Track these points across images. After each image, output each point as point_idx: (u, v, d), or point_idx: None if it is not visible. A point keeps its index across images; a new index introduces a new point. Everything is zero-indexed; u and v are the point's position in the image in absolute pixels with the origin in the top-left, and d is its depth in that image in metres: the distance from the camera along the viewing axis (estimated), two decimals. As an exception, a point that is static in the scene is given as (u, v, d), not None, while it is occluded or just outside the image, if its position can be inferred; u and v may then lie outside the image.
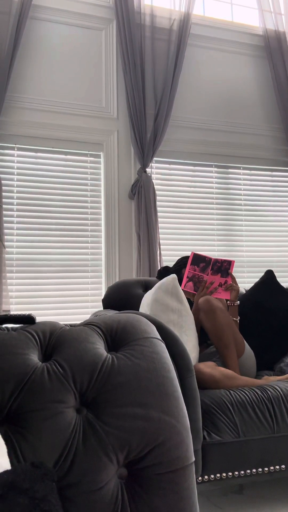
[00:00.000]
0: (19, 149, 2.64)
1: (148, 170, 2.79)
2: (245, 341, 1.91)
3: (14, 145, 2.63)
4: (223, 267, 1.93)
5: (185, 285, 1.92)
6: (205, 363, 1.66)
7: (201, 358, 1.90)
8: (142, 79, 2.79)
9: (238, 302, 1.99)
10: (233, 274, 1.97)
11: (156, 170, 2.92)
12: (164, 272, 2.13)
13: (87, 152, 2.78)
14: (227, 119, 3.08)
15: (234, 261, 1.95)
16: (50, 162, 2.70)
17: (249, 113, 3.15)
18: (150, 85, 2.82)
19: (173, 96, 2.84)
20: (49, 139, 2.67)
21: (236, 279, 2.90)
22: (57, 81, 2.71)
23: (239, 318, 1.99)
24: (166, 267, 2.22)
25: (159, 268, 2.62)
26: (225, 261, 1.94)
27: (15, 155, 2.63)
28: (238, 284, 2.04)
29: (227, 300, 1.97)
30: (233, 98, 3.12)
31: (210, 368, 1.61)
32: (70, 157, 2.74)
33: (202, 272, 1.93)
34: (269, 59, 3.16)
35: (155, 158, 2.85)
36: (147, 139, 2.77)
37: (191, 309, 1.85)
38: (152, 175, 2.84)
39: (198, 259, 1.94)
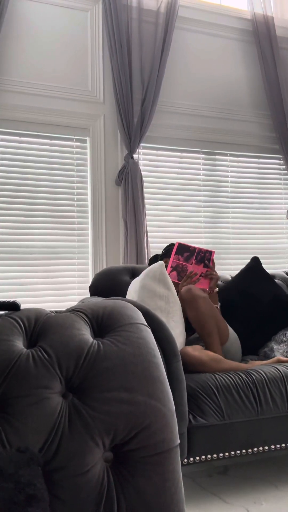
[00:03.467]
0: (2, 133, 2.58)
1: (135, 156, 2.76)
2: (229, 327, 1.94)
3: (-2, 129, 2.57)
4: (206, 257, 1.95)
5: (169, 274, 1.93)
6: (193, 347, 1.68)
7: (188, 344, 1.92)
8: (129, 62, 2.74)
9: (217, 289, 2.01)
10: (215, 262, 1.99)
11: (143, 156, 2.89)
12: (154, 260, 2.14)
13: (73, 137, 2.73)
14: (215, 105, 3.06)
15: (214, 252, 1.97)
16: (35, 147, 2.65)
17: (236, 99, 3.13)
18: (137, 69, 2.77)
19: (161, 81, 2.80)
20: (33, 123, 2.61)
21: (223, 266, 2.91)
22: (41, 63, 2.64)
23: (219, 304, 2.01)
24: (156, 255, 2.22)
25: (149, 257, 2.62)
26: (207, 251, 1.96)
27: (-1, 140, 2.57)
28: (224, 271, 2.06)
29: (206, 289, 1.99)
30: (220, 84, 3.09)
31: (197, 351, 1.63)
32: (55, 141, 2.69)
33: (186, 262, 1.94)
34: (257, 44, 3.13)
35: (142, 144, 2.82)
36: (134, 124, 2.73)
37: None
38: (139, 161, 2.81)
39: (183, 249, 1.95)
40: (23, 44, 2.61)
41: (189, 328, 1.98)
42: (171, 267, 1.94)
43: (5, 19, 2.49)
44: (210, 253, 1.97)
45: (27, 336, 0.75)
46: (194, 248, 1.96)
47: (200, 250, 1.95)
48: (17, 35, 2.59)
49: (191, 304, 1.77)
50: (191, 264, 1.94)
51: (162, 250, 2.23)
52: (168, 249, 2.17)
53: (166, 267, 1.96)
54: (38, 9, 2.64)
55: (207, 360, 1.60)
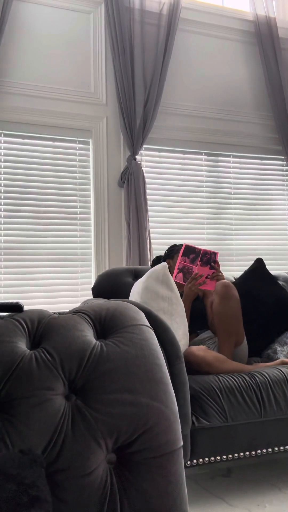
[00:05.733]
0: (5, 135, 2.59)
1: (137, 157, 2.76)
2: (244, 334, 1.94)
3: (1, 131, 2.58)
4: (212, 259, 1.95)
5: (175, 276, 1.94)
6: (198, 347, 1.68)
7: (191, 345, 1.92)
8: (131, 64, 2.74)
9: None
10: (219, 263, 1.99)
11: (146, 157, 2.90)
12: (157, 261, 2.14)
13: (76, 138, 2.74)
14: (217, 107, 3.06)
15: (218, 253, 1.98)
16: (38, 149, 2.66)
17: (239, 100, 3.13)
18: (139, 71, 2.78)
19: (163, 82, 2.80)
20: (36, 125, 2.62)
21: (226, 267, 2.91)
22: (44, 66, 2.65)
23: None
24: (159, 257, 2.22)
25: (152, 259, 2.62)
26: (212, 252, 1.96)
27: (2, 141, 2.58)
28: (227, 272, 2.06)
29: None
30: (223, 85, 3.09)
31: (202, 351, 1.63)
32: (58, 143, 2.70)
33: (192, 263, 1.94)
34: (259, 45, 3.13)
35: (144, 146, 2.83)
36: (136, 126, 2.74)
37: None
38: (142, 163, 2.81)
39: (189, 251, 1.96)
40: (26, 47, 2.62)
41: (192, 329, 1.97)
42: (178, 268, 1.94)
43: (8, 22, 2.50)
44: (214, 254, 1.97)
45: (30, 337, 0.75)
46: (200, 250, 1.96)
47: (206, 251, 1.95)
48: (19, 37, 2.60)
49: (224, 300, 1.77)
50: (197, 266, 1.94)
51: (165, 251, 2.23)
52: (171, 250, 2.16)
53: (169, 268, 1.96)
54: (40, 11, 2.65)
55: (212, 360, 1.60)
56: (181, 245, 2.02)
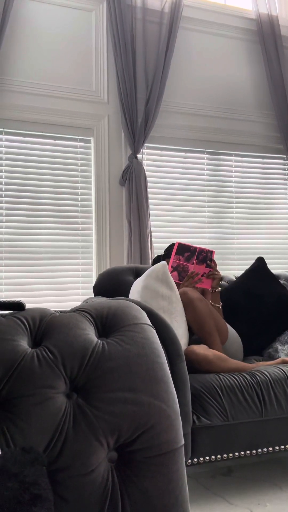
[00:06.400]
0: (7, 133, 2.58)
1: (139, 156, 2.76)
2: (229, 327, 1.93)
3: (2, 129, 2.57)
4: (208, 257, 1.95)
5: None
6: (199, 345, 1.68)
7: (191, 344, 1.92)
8: (133, 62, 2.74)
9: (220, 288, 2.00)
10: (216, 261, 1.98)
11: (147, 156, 2.89)
12: (158, 261, 2.13)
13: (77, 137, 2.73)
14: (219, 105, 3.05)
15: (214, 251, 1.97)
16: (39, 147, 2.65)
17: (241, 99, 3.12)
18: (141, 69, 2.77)
19: (165, 80, 2.80)
20: (38, 123, 2.62)
21: (227, 266, 2.90)
22: (45, 64, 2.65)
23: (221, 304, 2.00)
24: (159, 256, 2.22)
25: (153, 257, 2.62)
26: (208, 251, 1.95)
27: (3, 140, 2.58)
28: (228, 271, 2.05)
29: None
30: (225, 83, 3.08)
31: (203, 349, 1.63)
32: (60, 142, 2.70)
33: (187, 262, 1.94)
34: (261, 44, 3.12)
35: (146, 144, 2.82)
36: (138, 124, 2.73)
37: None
38: (143, 161, 2.81)
39: (183, 249, 1.95)
40: (28, 45, 2.61)
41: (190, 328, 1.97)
42: (172, 267, 1.93)
43: (10, 20, 2.49)
44: (211, 252, 1.96)
45: (31, 336, 0.75)
46: (195, 248, 1.95)
47: (201, 250, 1.95)
48: (21, 35, 2.60)
49: (188, 307, 1.76)
50: (193, 264, 1.93)
51: (164, 250, 2.23)
52: (170, 249, 2.16)
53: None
54: (42, 9, 2.65)
55: (213, 358, 1.60)
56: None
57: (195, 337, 1.96)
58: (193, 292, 1.80)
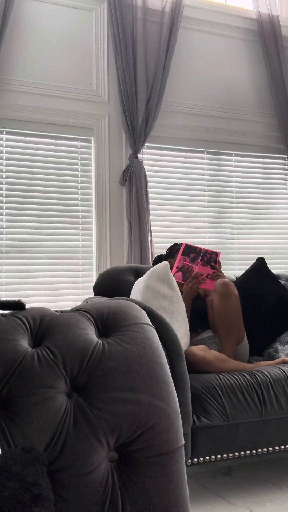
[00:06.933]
0: (7, 133, 2.58)
1: (139, 156, 2.76)
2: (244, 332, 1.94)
3: (3, 129, 2.57)
4: (212, 259, 1.95)
5: (174, 275, 1.93)
6: (198, 346, 1.68)
7: (192, 345, 1.92)
8: (133, 62, 2.74)
9: None
10: (220, 262, 1.99)
11: (148, 156, 2.89)
12: (158, 260, 2.13)
13: (77, 136, 2.73)
14: (219, 105, 3.05)
15: (220, 253, 1.97)
16: (39, 147, 2.65)
17: (241, 99, 3.12)
18: (141, 69, 2.77)
19: (165, 80, 2.80)
20: (38, 123, 2.62)
21: (227, 266, 2.90)
22: (46, 63, 2.65)
23: None
24: (160, 256, 2.22)
25: (153, 257, 2.62)
26: (213, 252, 1.95)
27: (4, 139, 2.58)
28: (228, 271, 2.06)
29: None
30: (225, 83, 3.08)
31: (202, 351, 1.63)
32: (60, 141, 2.70)
33: (192, 263, 1.94)
34: (262, 44, 3.12)
35: (146, 144, 2.82)
36: (138, 124, 2.73)
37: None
38: (144, 161, 2.81)
39: (189, 250, 1.95)
40: (28, 44, 2.61)
41: (192, 328, 1.97)
42: (177, 267, 1.94)
43: (10, 19, 2.49)
44: (216, 254, 1.96)
45: (32, 335, 0.75)
46: (200, 249, 1.95)
47: (206, 251, 1.95)
48: (22, 35, 2.60)
49: (223, 298, 1.77)
50: (197, 265, 1.94)
51: (166, 250, 2.23)
52: (172, 249, 2.16)
53: (170, 267, 1.95)
54: (43, 9, 2.65)
55: (213, 360, 1.60)
56: (182, 244, 2.02)
57: (201, 336, 1.96)
58: (234, 287, 1.80)
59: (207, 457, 1.45)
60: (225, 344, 1.77)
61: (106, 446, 0.66)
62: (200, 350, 1.64)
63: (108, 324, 0.78)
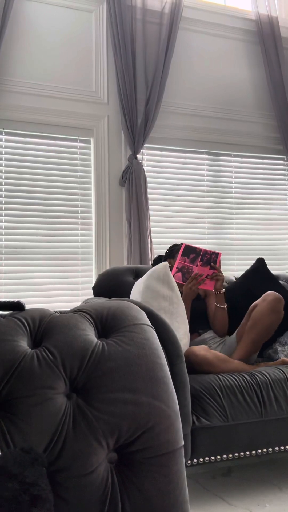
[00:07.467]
0: (7, 133, 2.58)
1: (139, 156, 2.76)
2: None
3: (2, 130, 2.57)
4: (212, 259, 1.95)
5: (174, 275, 1.93)
6: (199, 346, 1.68)
7: (193, 345, 1.92)
8: (133, 63, 2.74)
9: (224, 290, 2.01)
10: (220, 263, 1.99)
11: (147, 156, 2.89)
12: (158, 261, 2.13)
13: (77, 137, 2.74)
14: (219, 106, 3.06)
15: (220, 253, 1.97)
16: (39, 148, 2.65)
17: (240, 99, 3.12)
18: (141, 69, 2.77)
19: (165, 81, 2.80)
20: (37, 124, 2.62)
21: (226, 267, 2.90)
22: (46, 64, 2.65)
23: (226, 305, 2.00)
24: (160, 256, 2.22)
25: (153, 258, 2.62)
26: (213, 253, 1.95)
27: (3, 140, 2.58)
28: (228, 272, 2.06)
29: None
30: (224, 84, 3.09)
31: (204, 350, 1.63)
32: (59, 142, 2.70)
33: (192, 263, 1.94)
34: (261, 45, 3.12)
35: (146, 145, 2.82)
36: (138, 125, 2.73)
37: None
38: (143, 162, 2.81)
39: (189, 250, 1.95)
40: (28, 45, 2.61)
41: (194, 329, 1.97)
42: (177, 268, 1.94)
43: (10, 20, 2.49)
44: (216, 254, 1.96)
45: (31, 336, 0.75)
46: (200, 250, 1.95)
47: (206, 251, 1.95)
48: (21, 36, 2.60)
49: (272, 313, 1.77)
50: (197, 266, 1.94)
51: (165, 250, 2.23)
52: (172, 249, 2.16)
53: (170, 268, 1.95)
54: (42, 10, 2.65)
55: (213, 360, 1.60)
56: (182, 244, 2.02)
57: (202, 337, 1.95)
58: (283, 305, 1.80)
59: (207, 458, 1.45)
60: (243, 350, 1.78)
61: (106, 447, 0.66)
62: (201, 350, 1.64)
63: (107, 324, 0.78)
